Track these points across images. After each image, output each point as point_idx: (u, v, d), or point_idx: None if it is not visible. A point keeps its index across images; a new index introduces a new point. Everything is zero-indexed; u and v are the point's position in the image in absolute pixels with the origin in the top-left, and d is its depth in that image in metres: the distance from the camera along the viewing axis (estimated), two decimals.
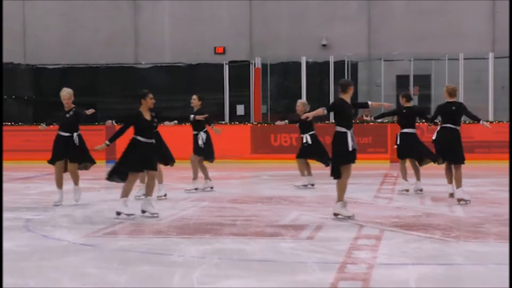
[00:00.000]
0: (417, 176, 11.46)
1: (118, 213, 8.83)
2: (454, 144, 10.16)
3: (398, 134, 11.52)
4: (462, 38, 22.62)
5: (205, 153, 11.80)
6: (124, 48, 24.25)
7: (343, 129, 8.59)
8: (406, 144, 11.38)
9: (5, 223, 8.56)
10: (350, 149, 8.53)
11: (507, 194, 11.43)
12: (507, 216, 8.86)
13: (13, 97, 22.70)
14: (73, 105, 10.38)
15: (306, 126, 12.39)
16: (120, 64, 23.29)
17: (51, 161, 10.42)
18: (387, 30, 23.36)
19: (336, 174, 8.68)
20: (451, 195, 10.46)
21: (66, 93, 10.37)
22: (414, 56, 21.83)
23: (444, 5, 23.12)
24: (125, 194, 8.90)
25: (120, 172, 8.92)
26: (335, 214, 8.65)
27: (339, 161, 8.61)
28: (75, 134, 10.26)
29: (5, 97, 22.50)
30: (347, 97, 8.82)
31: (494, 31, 23.00)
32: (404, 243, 7.11)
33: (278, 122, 13.07)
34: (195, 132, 11.81)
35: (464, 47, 21.46)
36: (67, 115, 10.31)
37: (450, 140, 10.18)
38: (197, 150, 11.76)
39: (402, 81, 22.62)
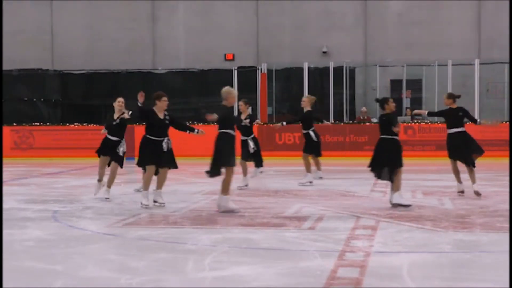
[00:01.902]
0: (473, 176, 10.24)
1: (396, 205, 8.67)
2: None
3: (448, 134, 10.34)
4: (450, 46, 22.58)
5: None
6: (142, 56, 24.29)
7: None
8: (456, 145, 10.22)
9: (35, 214, 8.59)
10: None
11: (492, 188, 11.39)
12: (491, 208, 8.83)
13: (42, 100, 22.77)
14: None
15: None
16: (139, 70, 23.34)
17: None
18: (381, 39, 23.32)
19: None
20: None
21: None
22: (407, 63, 21.80)
23: (434, 16, 23.07)
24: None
25: None
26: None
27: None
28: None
29: (34, 99, 22.60)
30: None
31: (480, 39, 22.94)
32: (398, 233, 7.08)
33: (274, 125, 13.04)
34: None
35: (452, 54, 21.43)
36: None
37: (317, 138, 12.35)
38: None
39: (395, 85, 22.59)
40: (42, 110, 22.60)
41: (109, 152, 9.94)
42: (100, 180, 10.09)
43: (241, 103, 11.64)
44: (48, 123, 21.54)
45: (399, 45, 23.02)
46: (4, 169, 13.22)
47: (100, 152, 10.05)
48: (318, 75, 22.02)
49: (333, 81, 21.16)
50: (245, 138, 11.52)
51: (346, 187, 11.69)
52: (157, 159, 8.98)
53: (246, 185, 11.48)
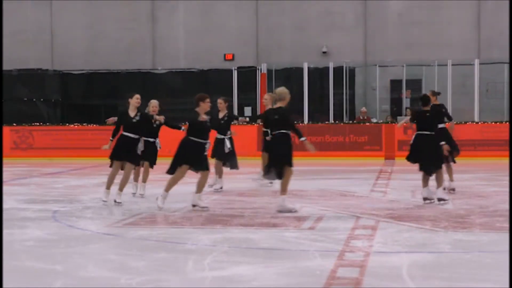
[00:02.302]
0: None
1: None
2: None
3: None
4: (450, 46, 22.59)
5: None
6: (142, 56, 24.29)
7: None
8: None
9: (35, 214, 8.59)
10: None
11: (491, 188, 11.40)
12: (491, 208, 8.83)
13: (42, 100, 22.76)
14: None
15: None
16: (139, 70, 23.34)
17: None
18: (381, 39, 23.32)
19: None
20: None
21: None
22: (406, 63, 21.79)
23: (434, 16, 23.07)
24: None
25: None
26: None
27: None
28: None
29: (34, 99, 22.59)
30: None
31: (479, 39, 22.94)
32: (398, 233, 7.09)
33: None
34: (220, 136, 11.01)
35: (452, 54, 21.43)
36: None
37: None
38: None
39: (395, 85, 22.59)
40: (41, 110, 22.59)
41: (123, 155, 9.28)
42: (108, 188, 9.37)
43: (220, 101, 11.14)
44: (48, 123, 21.55)
45: (399, 45, 23.02)
46: (4, 169, 13.23)
47: (115, 157, 9.33)
48: (318, 75, 22.02)
49: (333, 81, 21.16)
50: (221, 137, 10.94)
51: (346, 187, 11.69)
52: (197, 161, 8.68)
53: (221, 188, 10.97)
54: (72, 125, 20.81)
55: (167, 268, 5.56)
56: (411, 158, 9.50)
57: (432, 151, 9.24)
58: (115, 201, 9.26)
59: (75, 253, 6.17)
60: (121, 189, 9.33)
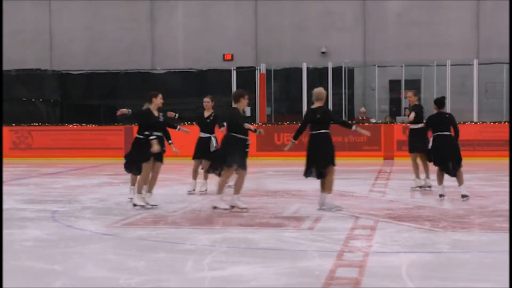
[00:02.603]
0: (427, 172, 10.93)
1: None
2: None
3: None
4: (449, 46, 22.62)
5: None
6: (142, 56, 24.30)
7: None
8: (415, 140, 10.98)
9: (34, 214, 8.59)
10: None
11: (490, 188, 11.41)
12: (490, 208, 8.84)
13: (41, 100, 22.76)
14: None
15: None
16: (138, 70, 23.35)
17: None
18: (380, 39, 23.34)
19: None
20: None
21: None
22: (405, 63, 21.81)
23: (433, 17, 23.10)
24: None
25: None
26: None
27: None
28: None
29: (33, 100, 22.59)
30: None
31: (478, 40, 22.97)
32: (397, 233, 7.09)
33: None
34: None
35: (451, 55, 21.46)
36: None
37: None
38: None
39: (394, 85, 22.61)
40: (41, 110, 22.59)
41: (155, 155, 8.96)
42: (140, 192, 8.93)
43: (207, 99, 10.71)
44: (47, 123, 21.55)
45: (398, 45, 23.06)
46: (3, 169, 13.21)
47: (145, 158, 8.89)
48: (317, 75, 22.02)
49: (332, 81, 21.17)
50: (207, 135, 10.60)
51: (345, 187, 11.69)
52: (241, 159, 8.63)
53: (206, 190, 10.65)
54: (71, 125, 20.80)
55: (166, 268, 5.57)
56: (436, 162, 9.75)
57: (453, 151, 9.58)
58: (147, 204, 8.91)
59: (75, 253, 6.17)
60: (150, 190, 9.05)
